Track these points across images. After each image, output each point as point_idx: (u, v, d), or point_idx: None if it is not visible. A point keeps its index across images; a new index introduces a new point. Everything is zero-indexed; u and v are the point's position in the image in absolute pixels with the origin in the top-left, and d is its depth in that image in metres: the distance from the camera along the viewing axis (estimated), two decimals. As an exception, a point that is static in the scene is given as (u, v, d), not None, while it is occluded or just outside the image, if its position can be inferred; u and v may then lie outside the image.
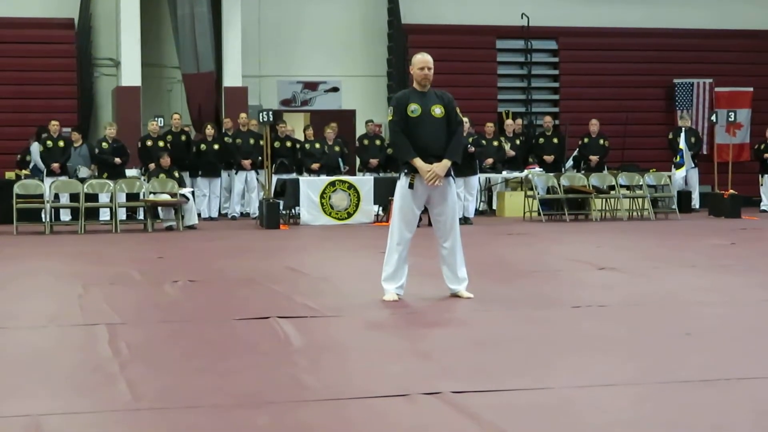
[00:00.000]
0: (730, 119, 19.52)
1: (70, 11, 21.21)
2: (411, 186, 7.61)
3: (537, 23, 22.74)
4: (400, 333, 6.65)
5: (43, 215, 16.26)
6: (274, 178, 17.76)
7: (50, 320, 7.12)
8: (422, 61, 7.74)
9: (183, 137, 19.23)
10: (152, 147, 18.42)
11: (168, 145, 18.49)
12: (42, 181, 16.95)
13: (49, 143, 18.02)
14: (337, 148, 18.89)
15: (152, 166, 17.88)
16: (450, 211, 7.78)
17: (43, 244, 14.39)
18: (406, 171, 7.64)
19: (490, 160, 19.38)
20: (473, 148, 16.89)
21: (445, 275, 7.88)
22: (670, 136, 20.74)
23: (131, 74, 20.55)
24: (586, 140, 20.17)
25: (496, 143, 19.62)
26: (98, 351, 5.93)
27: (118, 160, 18.03)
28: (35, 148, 18.31)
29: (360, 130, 21.23)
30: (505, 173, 19.77)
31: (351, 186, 17.41)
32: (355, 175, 19.40)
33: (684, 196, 19.91)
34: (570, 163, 20.56)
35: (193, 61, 20.66)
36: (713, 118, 20.04)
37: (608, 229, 15.87)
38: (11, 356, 5.92)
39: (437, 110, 7.66)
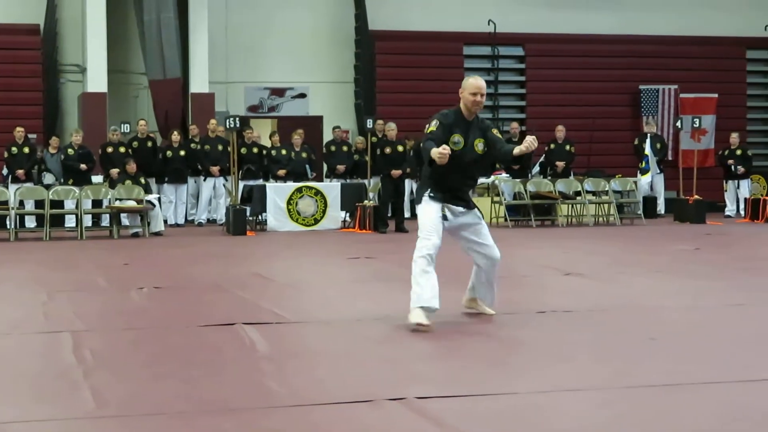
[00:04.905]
0: (695, 125, 19.69)
1: (35, 17, 21.04)
2: (445, 218, 7.00)
3: (504, 30, 22.83)
4: (366, 339, 6.65)
5: (7, 222, 16.13)
6: (241, 184, 17.70)
7: (13, 327, 7.07)
8: (476, 86, 7.15)
9: (149, 143, 19.16)
10: (113, 153, 18.31)
11: (130, 151, 18.39)
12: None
13: (14, 150, 17.92)
14: (304, 155, 18.89)
15: (113, 172, 17.78)
16: (484, 227, 7.35)
17: (8, 251, 14.27)
18: (431, 195, 7.03)
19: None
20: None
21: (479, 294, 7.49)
22: (636, 142, 20.89)
23: (97, 80, 20.43)
24: (552, 146, 20.25)
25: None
26: (62, 358, 5.89)
27: (83, 166, 17.95)
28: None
29: (327, 136, 21.20)
30: (472, 179, 19.77)
31: (318, 192, 17.38)
32: (322, 181, 19.36)
33: (649, 202, 20.03)
34: (536, 168, 20.62)
35: (159, 67, 20.56)
36: (678, 124, 20.16)
37: (574, 235, 15.94)
38: (-26, 364, 5.87)
39: (480, 146, 7.07)
